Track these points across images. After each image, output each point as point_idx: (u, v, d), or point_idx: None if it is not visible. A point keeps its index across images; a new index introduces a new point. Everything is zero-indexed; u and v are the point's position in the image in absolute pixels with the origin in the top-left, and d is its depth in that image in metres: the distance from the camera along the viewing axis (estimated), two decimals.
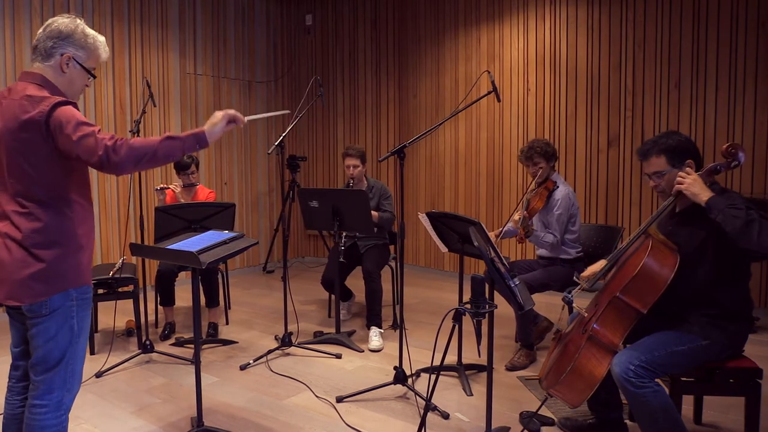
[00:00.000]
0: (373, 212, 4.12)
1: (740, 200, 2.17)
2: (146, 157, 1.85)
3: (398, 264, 3.32)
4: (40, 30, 1.94)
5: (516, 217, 3.54)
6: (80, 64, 1.96)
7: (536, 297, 2.93)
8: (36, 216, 1.86)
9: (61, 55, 1.92)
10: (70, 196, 1.91)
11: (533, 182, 3.69)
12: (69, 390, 1.97)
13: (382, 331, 4.09)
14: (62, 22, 1.93)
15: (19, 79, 1.94)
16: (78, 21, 1.96)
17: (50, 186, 1.87)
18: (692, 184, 2.21)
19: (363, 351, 3.88)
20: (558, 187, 3.64)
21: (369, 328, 4.08)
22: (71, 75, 1.95)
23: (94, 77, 2.04)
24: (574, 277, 2.62)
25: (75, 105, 1.89)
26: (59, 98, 1.85)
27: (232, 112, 2.05)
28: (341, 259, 3.96)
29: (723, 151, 2.31)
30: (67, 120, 1.81)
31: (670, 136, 2.38)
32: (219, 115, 2.03)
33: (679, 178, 2.26)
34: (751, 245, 2.06)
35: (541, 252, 3.79)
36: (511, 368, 3.50)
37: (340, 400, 3.10)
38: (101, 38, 2.02)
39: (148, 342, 3.76)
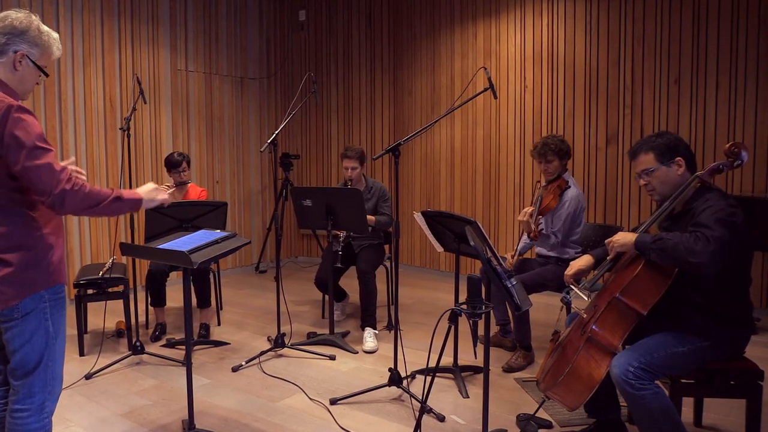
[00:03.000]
0: (370, 217, 4.08)
1: (726, 204, 2.16)
2: (90, 210, 1.88)
3: (393, 264, 3.27)
4: None
5: (528, 210, 3.54)
6: (33, 62, 1.89)
7: (534, 297, 2.89)
8: None
9: (15, 52, 1.85)
10: (31, 197, 1.85)
11: (543, 179, 3.67)
12: (51, 392, 1.95)
13: (376, 332, 4.04)
14: (17, 17, 1.86)
15: None
16: (33, 17, 1.89)
17: (7, 189, 1.80)
18: (618, 241, 2.34)
19: (357, 352, 3.83)
20: (570, 187, 3.60)
21: (363, 329, 4.04)
22: (23, 73, 1.89)
23: (47, 75, 1.98)
24: (566, 281, 2.59)
25: (30, 112, 1.82)
26: (13, 101, 1.78)
27: (167, 197, 2.15)
28: (338, 265, 3.94)
29: (726, 151, 2.30)
30: (24, 138, 1.74)
31: (660, 135, 2.40)
32: (156, 192, 2.11)
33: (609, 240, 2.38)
34: (694, 267, 2.07)
35: (541, 250, 3.75)
36: (509, 370, 3.47)
37: (333, 402, 3.06)
38: (55, 35, 1.96)
39: (138, 343, 3.71)
